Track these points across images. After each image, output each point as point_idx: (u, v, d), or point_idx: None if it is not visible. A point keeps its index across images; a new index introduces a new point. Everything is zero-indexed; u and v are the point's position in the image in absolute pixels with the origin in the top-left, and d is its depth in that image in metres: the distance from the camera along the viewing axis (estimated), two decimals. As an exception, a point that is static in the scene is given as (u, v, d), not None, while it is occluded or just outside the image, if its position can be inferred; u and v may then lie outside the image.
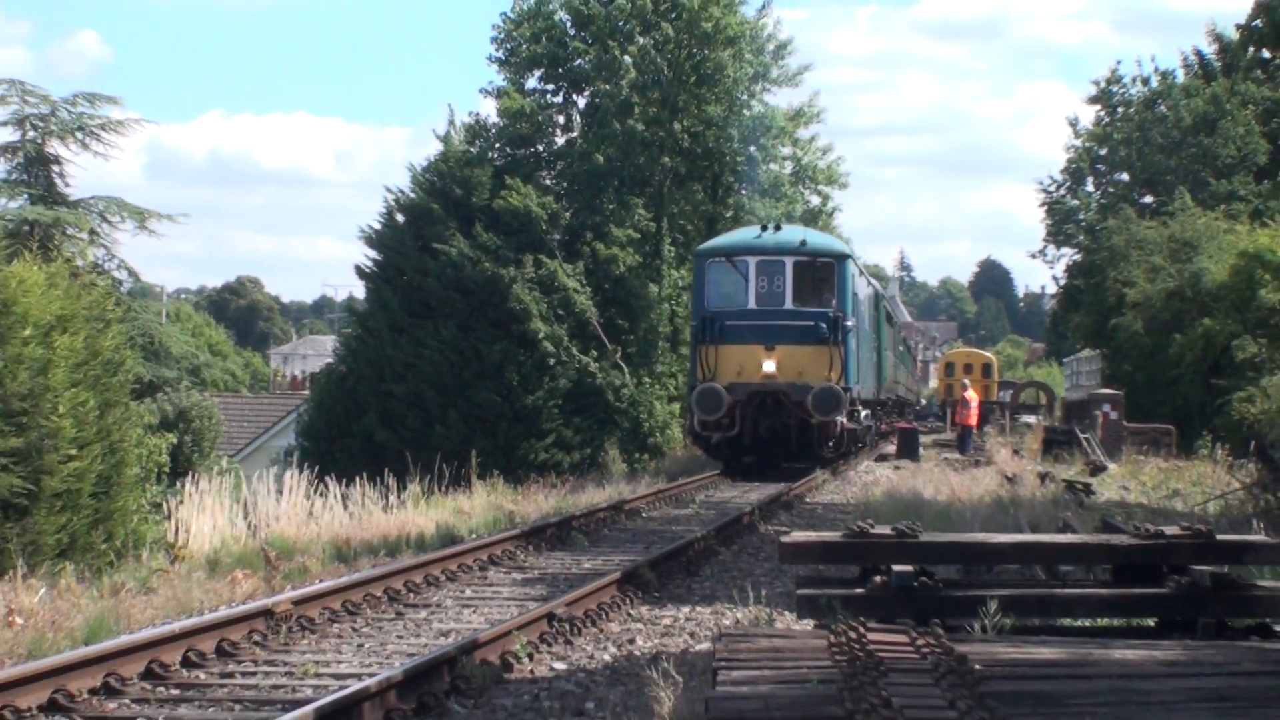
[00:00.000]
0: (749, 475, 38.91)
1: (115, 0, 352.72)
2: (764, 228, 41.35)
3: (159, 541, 26.80)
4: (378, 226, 55.36)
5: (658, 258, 56.56)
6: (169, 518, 28.79)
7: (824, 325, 38.60)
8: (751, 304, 39.42)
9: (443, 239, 51.96)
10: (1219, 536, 13.53)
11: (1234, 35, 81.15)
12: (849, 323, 39.50)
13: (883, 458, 52.54)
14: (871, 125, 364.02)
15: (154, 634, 15.01)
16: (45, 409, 24.56)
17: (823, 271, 40.16)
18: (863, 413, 44.89)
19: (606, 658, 15.56)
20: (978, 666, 9.27)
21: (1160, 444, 47.43)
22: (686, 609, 18.79)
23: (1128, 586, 13.29)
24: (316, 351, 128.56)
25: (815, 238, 42.81)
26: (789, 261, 39.44)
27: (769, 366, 38.41)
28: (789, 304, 39.25)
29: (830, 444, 39.90)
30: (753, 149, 59.25)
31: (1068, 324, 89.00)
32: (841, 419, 38.81)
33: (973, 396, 60.22)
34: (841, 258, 40.68)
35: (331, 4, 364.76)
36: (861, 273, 46.13)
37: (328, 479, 33.19)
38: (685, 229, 59.29)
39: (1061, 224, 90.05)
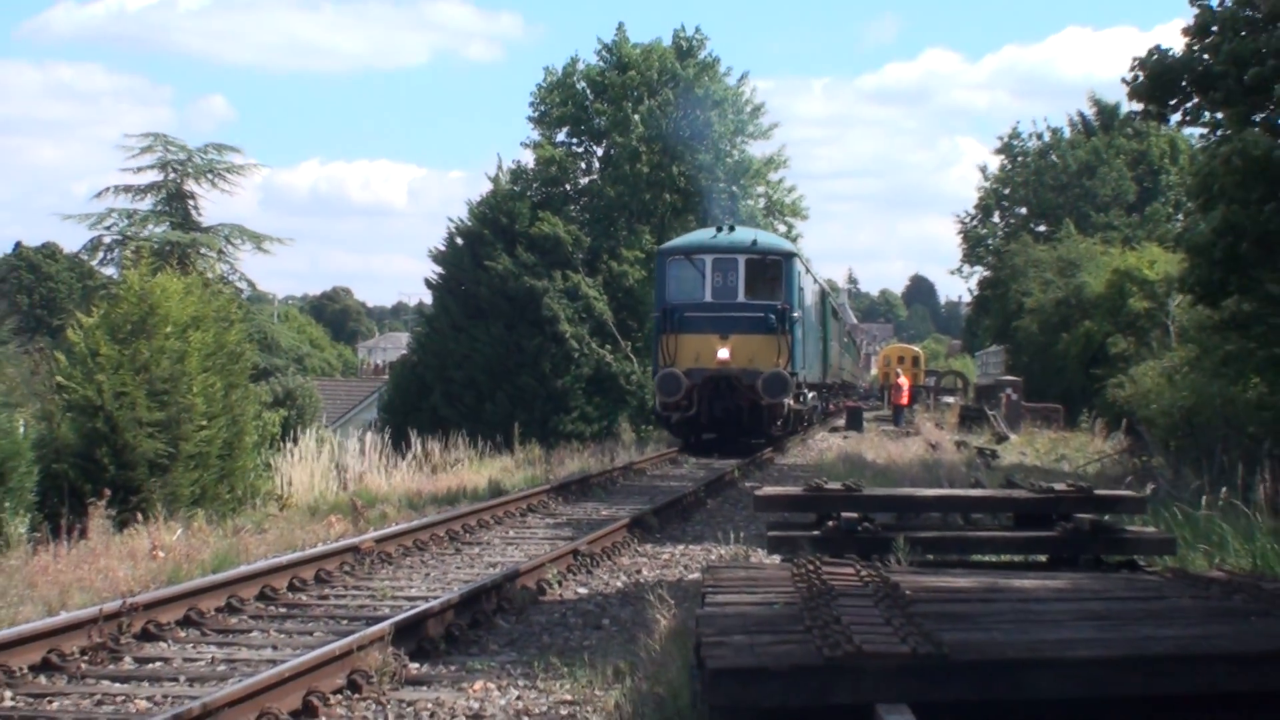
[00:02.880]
0: (705, 451, 35.65)
1: (239, 71, 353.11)
2: (719, 228, 37.83)
3: (270, 493, 26.79)
4: (442, 248, 55.41)
5: (660, 273, 56.46)
6: (277, 475, 28.84)
7: (773, 316, 35.25)
8: (708, 297, 35.80)
9: (492, 258, 51.98)
10: (1096, 492, 13.54)
11: (1111, 98, 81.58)
12: (795, 314, 35.94)
13: (834, 429, 52.36)
14: (826, 170, 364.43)
15: (266, 565, 15.00)
16: (182, 389, 24.56)
17: (772, 268, 36.34)
18: (809, 395, 41.94)
19: (619, 584, 15.53)
20: (908, 592, 9.25)
21: (1051, 419, 47.43)
22: (681, 547, 18.74)
23: (1025, 530, 13.28)
24: (394, 345, 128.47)
25: (765, 238, 39.13)
26: (741, 259, 35.95)
27: (723, 354, 34.97)
28: (741, 297, 35.71)
29: (779, 423, 36.40)
30: (734, 188, 59.23)
31: (979, 325, 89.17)
32: (788, 401, 35.48)
33: (904, 382, 60.39)
34: (789, 256, 37.03)
35: (408, 75, 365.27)
36: (808, 270, 41.79)
37: (402, 444, 33.26)
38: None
39: (974, 247, 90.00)
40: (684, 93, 58.94)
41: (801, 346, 37.10)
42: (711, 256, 36.11)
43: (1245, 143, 19.62)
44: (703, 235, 38.39)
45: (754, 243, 36.75)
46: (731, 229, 37.77)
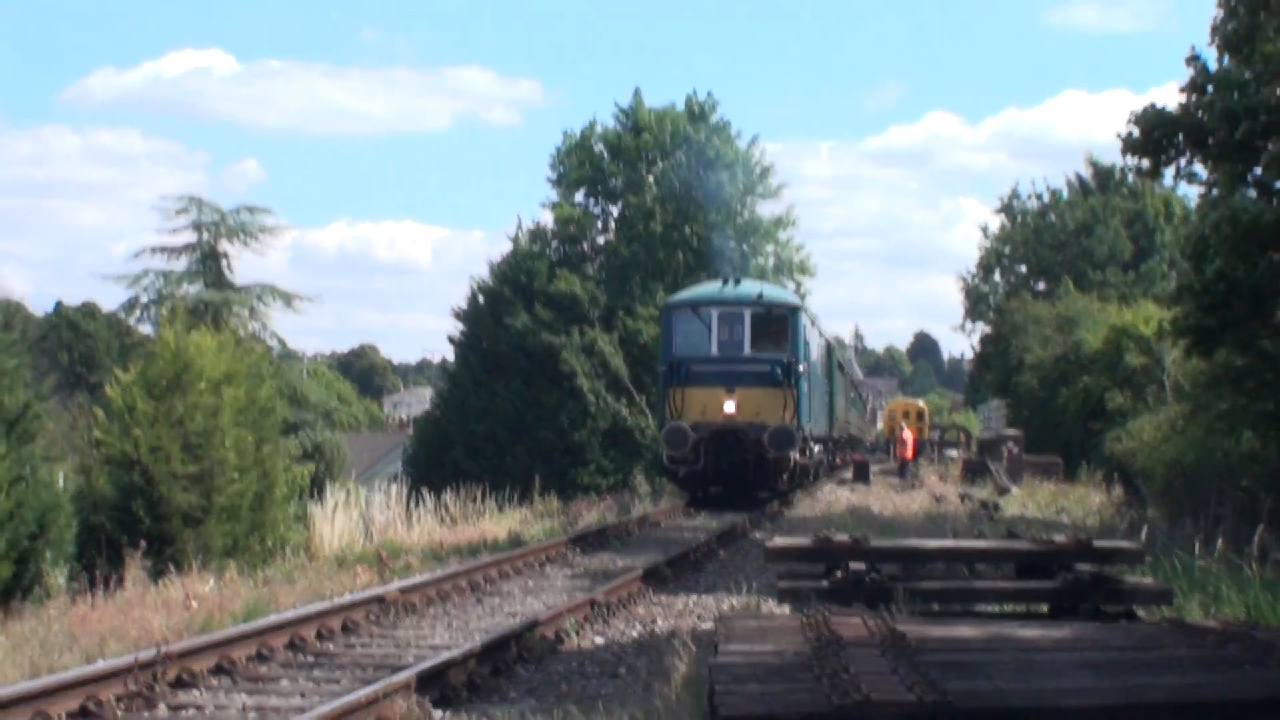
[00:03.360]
0: (712, 506, 33.83)
1: (271, 135, 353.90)
2: (725, 281, 36.05)
3: (300, 544, 26.84)
4: (464, 305, 55.78)
5: (673, 330, 56.52)
6: (308, 526, 28.91)
7: (779, 370, 33.71)
8: (714, 350, 34.07)
9: (512, 315, 52.27)
10: (1095, 543, 13.52)
11: (1108, 159, 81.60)
12: (801, 368, 34.36)
13: (842, 482, 52.28)
14: (833, 229, 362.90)
15: (296, 614, 15.01)
16: (215, 443, 24.70)
17: (778, 321, 34.74)
18: (815, 448, 39.71)
19: (635, 633, 15.51)
20: (914, 642, 9.24)
21: (1051, 472, 47.26)
22: (695, 597, 18.70)
23: (1027, 581, 13.26)
24: (418, 400, 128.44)
25: (771, 291, 37.31)
26: (747, 312, 34.30)
27: (729, 407, 33.36)
28: (747, 350, 34.02)
29: (784, 476, 34.53)
30: (745, 246, 59.43)
31: (981, 380, 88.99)
32: (794, 454, 33.66)
33: (909, 436, 60.27)
34: (794, 309, 35.43)
35: (432, 139, 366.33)
36: (814, 324, 39.93)
37: (425, 496, 33.23)
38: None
39: (976, 304, 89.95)
40: (697, 155, 59.23)
41: (808, 400, 35.58)
42: (718, 309, 34.57)
43: (1233, 209, 19.67)
44: (709, 288, 36.86)
45: (760, 296, 35.29)
46: (738, 282, 36.24)
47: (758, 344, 34.38)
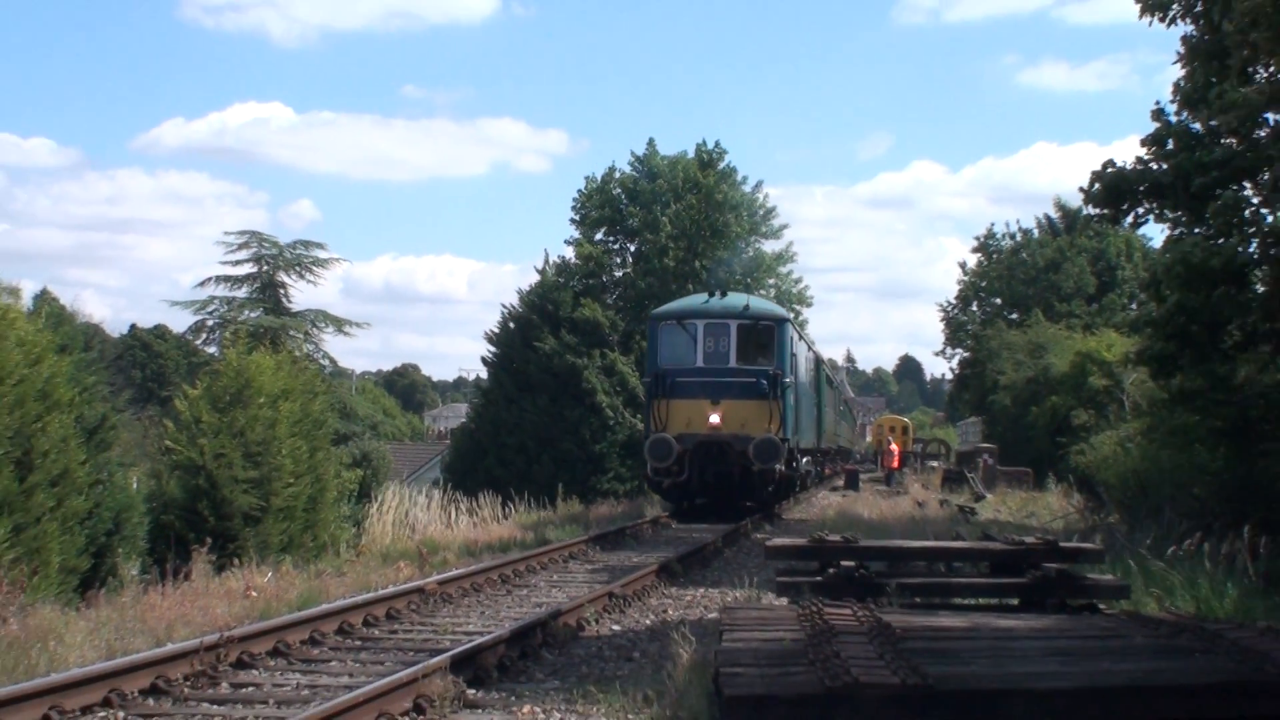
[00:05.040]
0: (696, 517, 31.15)
1: (324, 179, 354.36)
2: (711, 294, 33.25)
3: (349, 541, 26.86)
4: (496, 330, 55.61)
5: (684, 352, 56.46)
6: (356, 526, 28.96)
7: (764, 382, 30.94)
8: (699, 363, 31.42)
9: (539, 339, 52.14)
10: (1061, 544, 13.51)
11: (1074, 203, 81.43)
12: (788, 380, 31.58)
13: (835, 489, 52.28)
14: (828, 265, 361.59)
15: (344, 604, 15.03)
16: (273, 452, 24.71)
17: (764, 334, 31.98)
18: (803, 460, 36.71)
19: (648, 622, 15.49)
20: (899, 631, 9.24)
21: (1022, 481, 47.17)
22: (702, 590, 18.68)
23: (1000, 577, 13.25)
24: (455, 414, 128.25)
25: (757, 303, 34.06)
26: (733, 324, 31.60)
27: (714, 419, 30.78)
28: (733, 363, 31.35)
29: (770, 489, 31.98)
30: (749, 280, 59.43)
31: (960, 399, 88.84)
32: (779, 466, 30.94)
33: (895, 448, 60.41)
34: (781, 321, 32.50)
35: (469, 183, 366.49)
36: (801, 337, 37.29)
37: (461, 499, 33.25)
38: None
39: (955, 332, 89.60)
40: (705, 198, 59.29)
41: (794, 412, 32.89)
42: (703, 322, 31.93)
43: (1184, 252, 19.74)
44: (695, 300, 34.19)
45: (746, 308, 32.46)
46: (724, 294, 33.41)
47: (744, 356, 31.80)
